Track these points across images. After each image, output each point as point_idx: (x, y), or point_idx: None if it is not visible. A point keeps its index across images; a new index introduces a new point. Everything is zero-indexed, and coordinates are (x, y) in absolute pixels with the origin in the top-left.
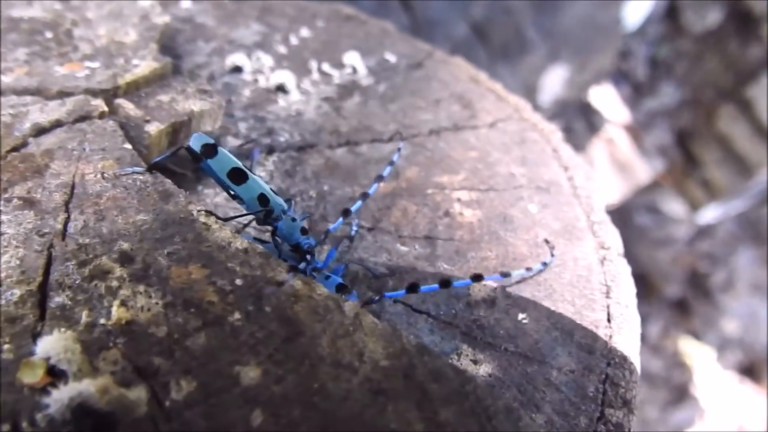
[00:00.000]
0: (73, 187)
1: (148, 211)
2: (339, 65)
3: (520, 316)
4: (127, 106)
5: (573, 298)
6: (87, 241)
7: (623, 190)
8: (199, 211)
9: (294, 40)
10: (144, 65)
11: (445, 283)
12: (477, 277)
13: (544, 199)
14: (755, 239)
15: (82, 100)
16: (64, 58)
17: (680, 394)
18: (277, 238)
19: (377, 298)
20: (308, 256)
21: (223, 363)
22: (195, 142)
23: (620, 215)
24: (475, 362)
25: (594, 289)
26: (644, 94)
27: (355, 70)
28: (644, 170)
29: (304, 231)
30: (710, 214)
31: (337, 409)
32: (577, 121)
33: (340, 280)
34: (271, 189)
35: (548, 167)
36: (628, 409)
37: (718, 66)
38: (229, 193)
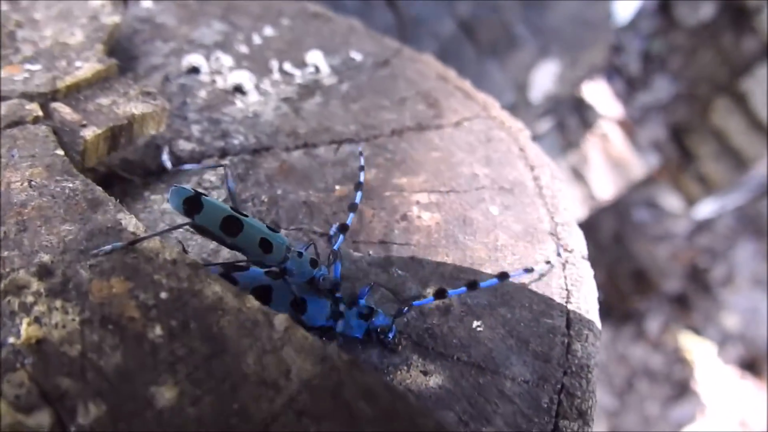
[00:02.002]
0: None
1: (75, 221)
2: (301, 65)
3: (475, 323)
4: (63, 110)
5: (531, 304)
6: (5, 254)
7: (618, 186)
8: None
9: (257, 40)
10: (87, 67)
11: (473, 285)
12: (503, 275)
13: (507, 201)
14: (755, 233)
15: (16, 105)
16: (3, 61)
17: (681, 389)
18: (287, 278)
19: (406, 309)
20: (337, 294)
21: (138, 384)
22: (174, 198)
23: (618, 211)
24: (425, 373)
25: (554, 294)
26: (638, 89)
27: (317, 70)
28: (639, 165)
29: (314, 263)
30: (707, 208)
31: (255, 430)
32: (571, 117)
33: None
34: (267, 226)
35: (513, 167)
36: (583, 421)
37: (712, 59)
38: (226, 245)
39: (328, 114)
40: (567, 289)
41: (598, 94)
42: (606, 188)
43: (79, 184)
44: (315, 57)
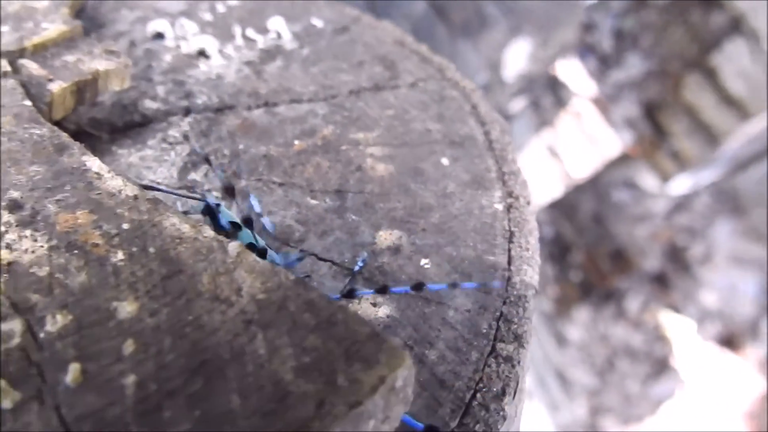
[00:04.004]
0: None
1: (42, 162)
2: (263, 31)
3: (423, 261)
4: (30, 66)
5: (475, 243)
6: None
7: (592, 164)
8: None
9: (221, 8)
10: (52, 28)
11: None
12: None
13: (457, 153)
14: (733, 211)
15: None
16: None
17: (661, 366)
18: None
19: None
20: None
21: (101, 299)
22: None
23: (597, 191)
24: (374, 305)
25: (497, 234)
26: (610, 67)
27: (279, 35)
28: (613, 143)
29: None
30: (681, 184)
31: (206, 338)
32: (545, 95)
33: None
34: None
35: (465, 123)
36: (518, 343)
37: (682, 36)
38: None
39: (288, 76)
40: (510, 231)
41: (572, 72)
42: (581, 166)
43: (46, 131)
44: (277, 23)
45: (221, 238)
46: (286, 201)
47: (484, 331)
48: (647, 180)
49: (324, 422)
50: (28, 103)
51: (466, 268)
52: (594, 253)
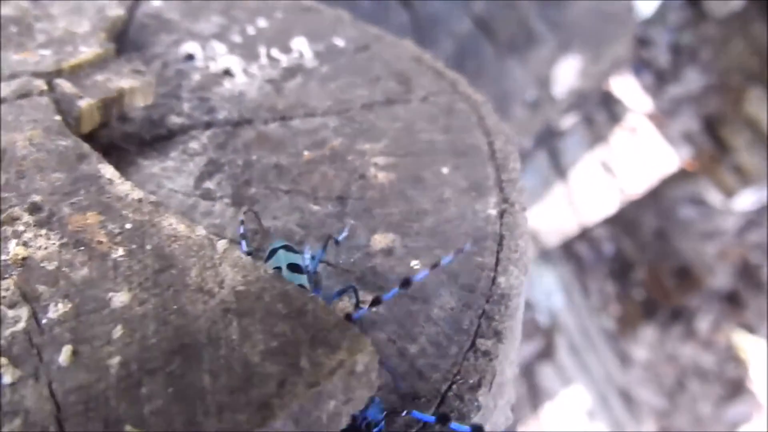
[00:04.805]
0: (4, 152)
1: (64, 170)
2: (287, 50)
3: (413, 262)
4: (64, 85)
5: (465, 245)
6: (5, 195)
7: (648, 180)
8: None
9: (251, 31)
10: (88, 51)
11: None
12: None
13: (459, 162)
14: None
15: (26, 81)
16: (21, 48)
17: (735, 388)
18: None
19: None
20: None
21: (100, 290)
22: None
23: (659, 207)
24: (363, 302)
25: (488, 237)
26: (668, 82)
27: (302, 55)
28: (670, 158)
29: None
30: (746, 200)
31: (188, 324)
32: (598, 111)
33: None
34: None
35: (470, 133)
36: (497, 339)
37: (743, 49)
38: None
39: (306, 92)
40: (501, 234)
41: (626, 88)
42: (636, 182)
43: (70, 142)
44: (300, 43)
45: (212, 236)
46: (290, 207)
47: (466, 327)
48: (712, 196)
49: (284, 400)
50: (58, 117)
51: (453, 268)
52: (657, 271)
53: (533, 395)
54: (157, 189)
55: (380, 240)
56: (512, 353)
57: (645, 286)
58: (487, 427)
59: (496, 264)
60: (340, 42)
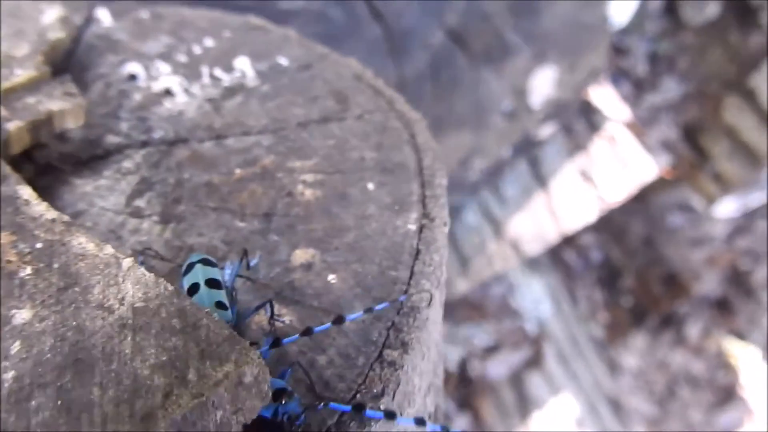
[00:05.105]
0: None
1: None
2: (230, 69)
3: (330, 276)
4: None
5: (381, 260)
6: None
7: (627, 188)
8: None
9: (197, 50)
10: (23, 74)
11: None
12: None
13: (386, 179)
14: None
15: None
16: None
17: (726, 395)
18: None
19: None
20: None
21: (4, 308)
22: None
23: (646, 214)
24: (278, 316)
25: (404, 252)
26: (646, 91)
27: (244, 74)
28: (649, 167)
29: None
30: (727, 207)
31: (84, 340)
32: (577, 121)
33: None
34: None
35: (400, 151)
36: (404, 350)
37: (720, 57)
38: None
39: (244, 111)
40: (417, 249)
41: (604, 97)
42: (615, 190)
43: None
44: (242, 63)
45: (119, 254)
46: (216, 224)
47: (374, 338)
48: (695, 202)
49: (167, 411)
50: None
51: (368, 282)
52: (646, 278)
53: (522, 404)
54: (88, 207)
55: (300, 255)
56: (423, 364)
57: (633, 293)
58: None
59: (410, 277)
60: (283, 61)
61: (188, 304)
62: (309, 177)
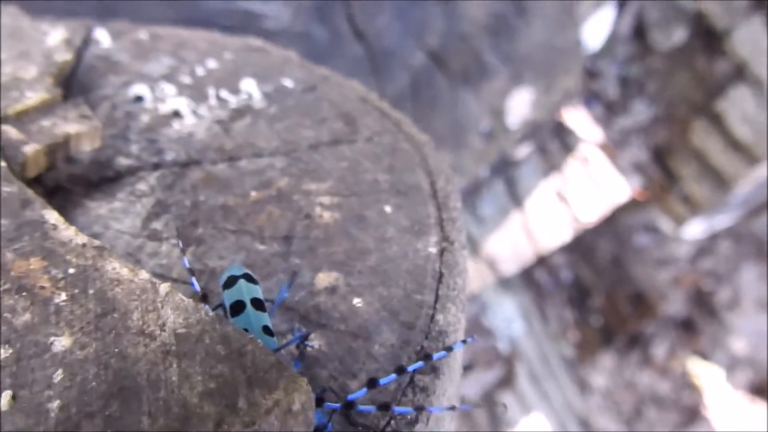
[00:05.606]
0: None
1: (8, 216)
2: (236, 91)
3: (356, 300)
4: (10, 131)
5: (406, 283)
6: None
7: (601, 208)
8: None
9: (200, 72)
10: (35, 96)
11: (400, 369)
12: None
13: (401, 201)
14: (758, 255)
15: None
16: None
17: (691, 415)
18: None
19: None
20: None
21: (41, 335)
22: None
23: (615, 234)
24: (306, 340)
25: (427, 275)
26: (617, 113)
27: (250, 96)
28: (621, 188)
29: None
30: (695, 228)
31: (128, 367)
32: (552, 141)
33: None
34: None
35: (413, 173)
36: (435, 375)
37: (688, 82)
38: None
39: (254, 132)
40: (440, 272)
41: (578, 119)
42: (589, 210)
43: (15, 188)
44: (248, 84)
45: (155, 279)
46: (236, 246)
47: (404, 363)
48: (663, 224)
49: None
50: (3, 163)
51: (394, 306)
52: (614, 298)
53: (494, 424)
54: (104, 230)
55: (324, 278)
56: (450, 388)
57: (602, 312)
58: None
59: (435, 301)
60: (288, 83)
61: (231, 330)
62: (326, 199)
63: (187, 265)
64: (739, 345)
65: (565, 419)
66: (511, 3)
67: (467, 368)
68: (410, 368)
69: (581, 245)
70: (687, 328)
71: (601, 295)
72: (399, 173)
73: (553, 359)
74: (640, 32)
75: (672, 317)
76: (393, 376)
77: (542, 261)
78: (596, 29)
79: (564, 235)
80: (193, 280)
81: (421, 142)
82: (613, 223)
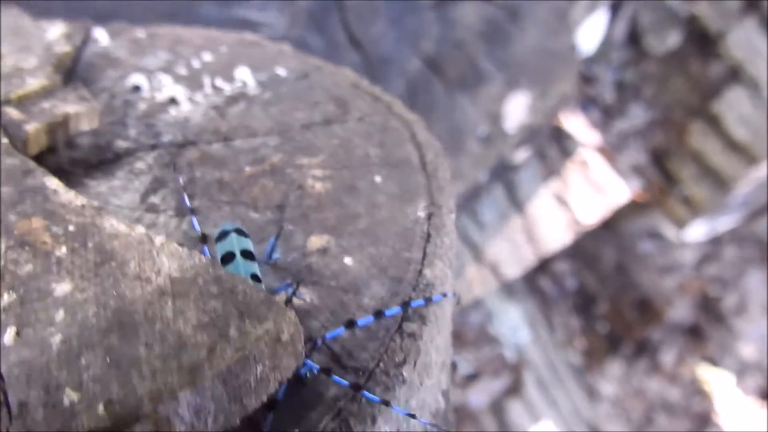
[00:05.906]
0: None
1: (11, 185)
2: (231, 80)
3: (346, 259)
4: (12, 112)
5: (395, 243)
6: None
7: (601, 211)
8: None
9: (196, 64)
10: (35, 82)
11: (378, 313)
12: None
13: (392, 173)
14: (762, 259)
15: None
16: None
17: (702, 422)
18: None
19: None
20: None
21: (43, 282)
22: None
23: (618, 240)
24: (299, 294)
25: (416, 236)
26: (614, 117)
27: (245, 84)
28: (620, 190)
29: None
30: (697, 231)
31: (126, 306)
32: (550, 146)
33: None
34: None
35: (402, 147)
36: (422, 322)
37: (683, 85)
38: None
39: (249, 116)
40: (428, 233)
41: (575, 123)
42: (589, 213)
43: (17, 160)
44: (243, 73)
45: (151, 233)
46: (231, 215)
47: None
48: (666, 228)
49: (213, 364)
50: (5, 140)
51: (383, 263)
52: (619, 305)
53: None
54: (103, 206)
55: (316, 241)
56: (438, 339)
57: (608, 319)
58: (413, 402)
59: (423, 258)
60: (282, 72)
61: (223, 273)
62: (318, 172)
63: (188, 204)
64: (747, 350)
65: (574, 427)
66: (504, 9)
67: (473, 377)
68: (388, 312)
69: (585, 253)
70: (695, 334)
71: (607, 303)
72: (389, 148)
73: (560, 367)
74: (634, 37)
75: (679, 324)
76: (370, 317)
77: (546, 268)
78: (590, 33)
79: (565, 239)
80: (194, 219)
81: (410, 120)
82: (616, 230)
